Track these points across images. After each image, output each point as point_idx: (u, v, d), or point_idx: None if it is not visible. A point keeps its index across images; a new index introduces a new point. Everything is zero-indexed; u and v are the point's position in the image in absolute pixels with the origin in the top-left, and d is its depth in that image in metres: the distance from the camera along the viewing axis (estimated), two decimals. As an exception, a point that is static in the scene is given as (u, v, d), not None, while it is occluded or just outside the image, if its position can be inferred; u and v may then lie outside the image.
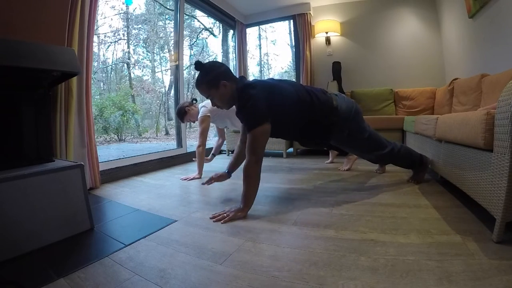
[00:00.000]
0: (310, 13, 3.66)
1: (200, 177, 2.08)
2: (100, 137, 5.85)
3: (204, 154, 2.15)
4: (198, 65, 1.28)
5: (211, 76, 1.27)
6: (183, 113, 2.24)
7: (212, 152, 2.57)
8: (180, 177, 2.11)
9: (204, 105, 2.15)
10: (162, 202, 1.48)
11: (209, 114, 2.12)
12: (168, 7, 7.09)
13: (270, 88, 1.30)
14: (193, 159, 2.30)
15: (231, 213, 1.19)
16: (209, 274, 0.76)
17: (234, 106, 1.38)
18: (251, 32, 7.12)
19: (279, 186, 1.74)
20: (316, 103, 1.35)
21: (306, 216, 1.18)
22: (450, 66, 3.04)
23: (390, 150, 1.55)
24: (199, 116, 2.12)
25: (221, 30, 7.02)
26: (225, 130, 2.78)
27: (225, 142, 3.31)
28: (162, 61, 7.53)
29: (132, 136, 6.59)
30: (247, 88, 1.27)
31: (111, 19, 6.50)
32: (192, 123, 2.39)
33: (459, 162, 1.18)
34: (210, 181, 1.58)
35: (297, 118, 1.35)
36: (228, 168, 1.58)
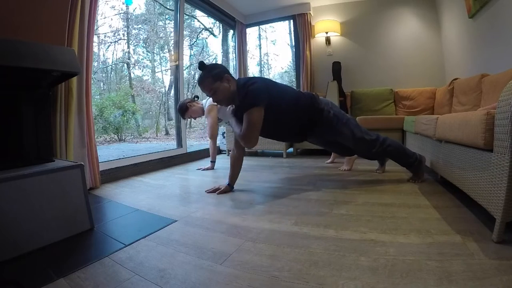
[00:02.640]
0: (310, 13, 3.66)
1: (213, 168, 2.25)
2: (100, 137, 5.84)
3: (216, 144, 2.22)
4: (202, 65, 1.41)
5: (216, 71, 1.40)
6: (185, 109, 2.24)
7: (211, 159, 2.47)
8: (181, 176, 2.11)
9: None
10: (162, 202, 1.48)
11: (215, 104, 2.11)
12: (168, 7, 7.08)
13: (269, 82, 1.48)
14: (197, 169, 2.41)
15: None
16: (209, 274, 0.76)
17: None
18: (251, 32, 7.12)
19: (279, 186, 1.74)
20: (305, 94, 1.59)
21: (306, 216, 1.18)
22: (450, 66, 3.04)
23: (376, 138, 1.62)
24: (206, 107, 2.12)
25: (221, 30, 7.01)
26: (219, 128, 2.78)
27: (224, 142, 3.32)
28: (162, 61, 7.53)
29: (132, 136, 6.58)
30: (249, 80, 1.41)
31: (111, 19, 6.50)
32: (193, 119, 2.39)
33: (459, 162, 1.18)
34: (214, 191, 1.63)
35: (293, 109, 1.48)
36: (230, 181, 1.65)
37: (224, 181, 1.69)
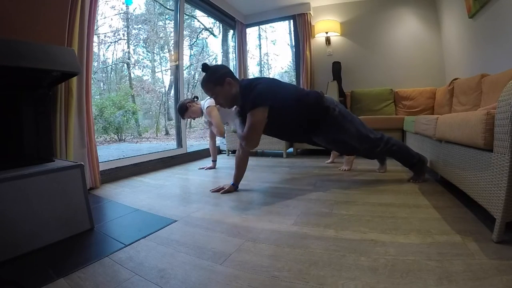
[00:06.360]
0: (310, 13, 3.66)
1: (215, 166, 2.44)
2: (100, 137, 5.84)
3: (216, 144, 2.44)
4: (205, 67, 1.44)
5: (217, 75, 1.42)
6: (184, 109, 2.26)
7: (212, 159, 2.54)
8: (181, 176, 2.11)
9: (209, 98, 2.16)
10: (162, 202, 1.48)
11: (214, 104, 2.15)
12: (168, 7, 7.08)
13: (274, 83, 1.49)
14: (199, 168, 2.49)
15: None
16: (209, 274, 0.76)
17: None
18: (251, 32, 7.11)
19: (279, 186, 1.74)
20: (311, 93, 1.58)
21: (306, 216, 1.18)
22: (450, 66, 3.04)
23: (381, 136, 1.62)
24: (206, 107, 2.15)
25: (221, 30, 7.01)
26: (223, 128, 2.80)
27: (224, 142, 3.32)
28: (162, 61, 7.53)
29: (132, 136, 6.59)
30: (254, 81, 1.43)
31: (111, 19, 6.50)
32: (192, 119, 2.41)
33: (459, 162, 1.18)
34: (218, 191, 1.64)
35: (299, 109, 1.47)
36: (234, 181, 1.65)
37: (224, 181, 1.69)
